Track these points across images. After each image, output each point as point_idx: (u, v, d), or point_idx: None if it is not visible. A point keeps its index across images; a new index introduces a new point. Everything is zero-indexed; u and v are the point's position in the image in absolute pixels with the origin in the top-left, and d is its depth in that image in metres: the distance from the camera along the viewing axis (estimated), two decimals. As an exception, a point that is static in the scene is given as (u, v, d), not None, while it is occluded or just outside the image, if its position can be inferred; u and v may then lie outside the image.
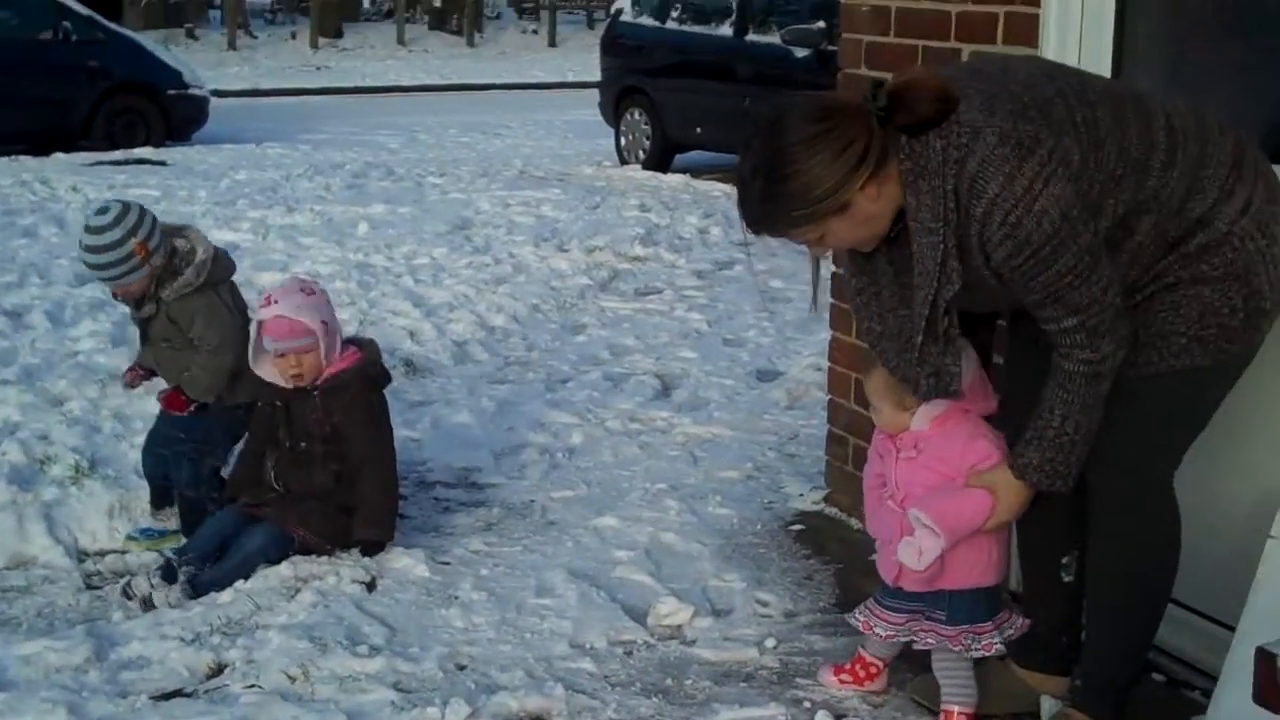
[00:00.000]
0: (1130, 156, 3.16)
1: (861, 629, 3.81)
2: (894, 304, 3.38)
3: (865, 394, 3.72)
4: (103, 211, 4.97)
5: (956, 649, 3.64)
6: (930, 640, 3.68)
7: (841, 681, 4.00)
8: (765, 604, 4.63)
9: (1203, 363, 3.28)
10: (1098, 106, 3.17)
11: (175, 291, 4.99)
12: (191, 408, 5.08)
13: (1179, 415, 3.38)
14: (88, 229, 4.94)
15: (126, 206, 4.97)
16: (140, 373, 5.31)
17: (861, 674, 3.99)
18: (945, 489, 3.53)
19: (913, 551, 3.49)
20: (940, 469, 3.55)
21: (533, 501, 5.57)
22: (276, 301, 4.82)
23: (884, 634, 3.77)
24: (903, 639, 3.78)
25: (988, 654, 3.67)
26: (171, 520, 5.17)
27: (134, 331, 5.49)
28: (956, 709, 3.71)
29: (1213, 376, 3.35)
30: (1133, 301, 3.25)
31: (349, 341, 5.00)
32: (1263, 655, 2.62)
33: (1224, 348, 3.27)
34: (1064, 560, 3.71)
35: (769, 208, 3.17)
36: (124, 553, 5.08)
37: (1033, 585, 3.86)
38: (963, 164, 3.07)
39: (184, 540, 5.01)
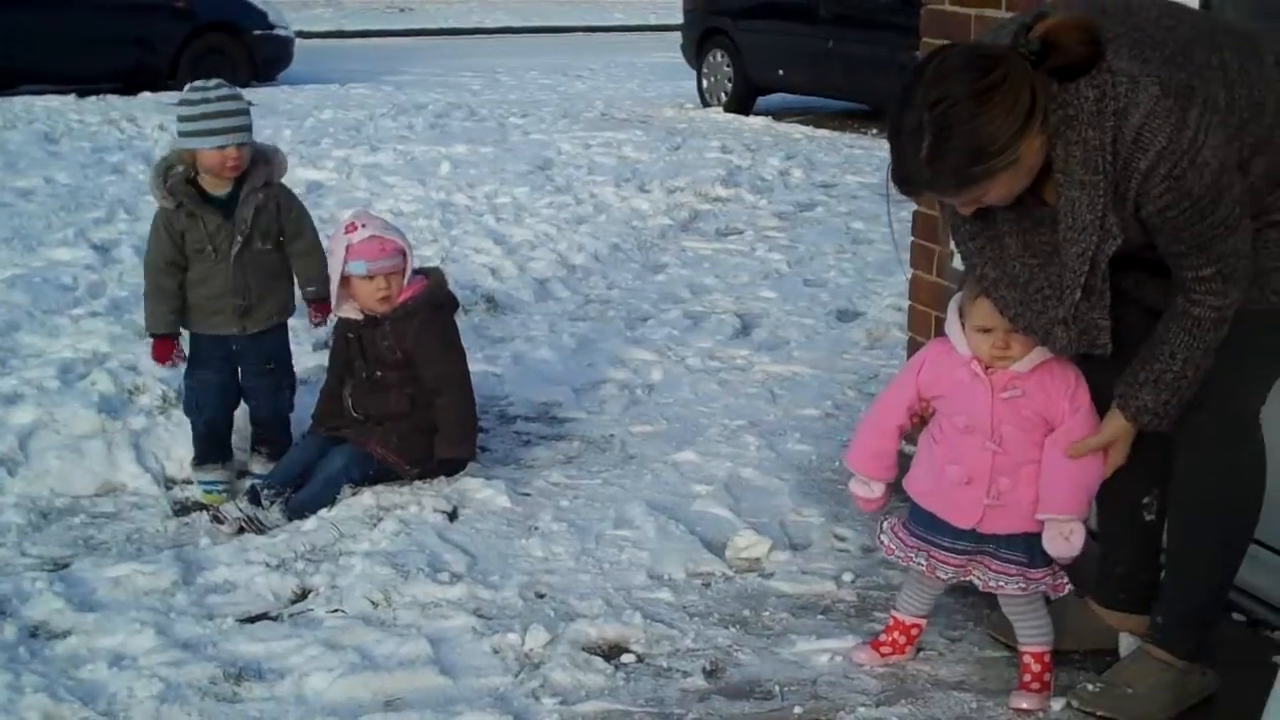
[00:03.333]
0: (1253, 99, 3.10)
1: (925, 573, 3.66)
2: (1017, 251, 3.26)
3: (968, 319, 3.46)
4: (213, 81, 4.92)
5: (1043, 589, 3.57)
6: (1009, 587, 3.56)
7: (884, 655, 3.83)
8: (843, 539, 4.64)
9: None
10: (1225, 48, 3.10)
11: (280, 170, 5.04)
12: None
13: (1270, 352, 3.35)
14: (219, 89, 4.85)
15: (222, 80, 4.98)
16: (172, 342, 5.05)
17: (903, 640, 3.84)
18: (1057, 467, 3.42)
19: (1061, 542, 3.39)
20: (1040, 412, 3.44)
21: (612, 436, 5.60)
22: (364, 225, 4.90)
23: (945, 577, 3.66)
24: (958, 580, 3.69)
25: (1064, 592, 3.61)
26: (219, 471, 5.09)
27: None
28: (1039, 649, 3.66)
29: None
30: None
31: (416, 272, 5.06)
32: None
33: None
34: (1145, 500, 3.68)
35: (938, 166, 2.99)
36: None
37: (1112, 525, 3.83)
38: (1124, 115, 2.98)
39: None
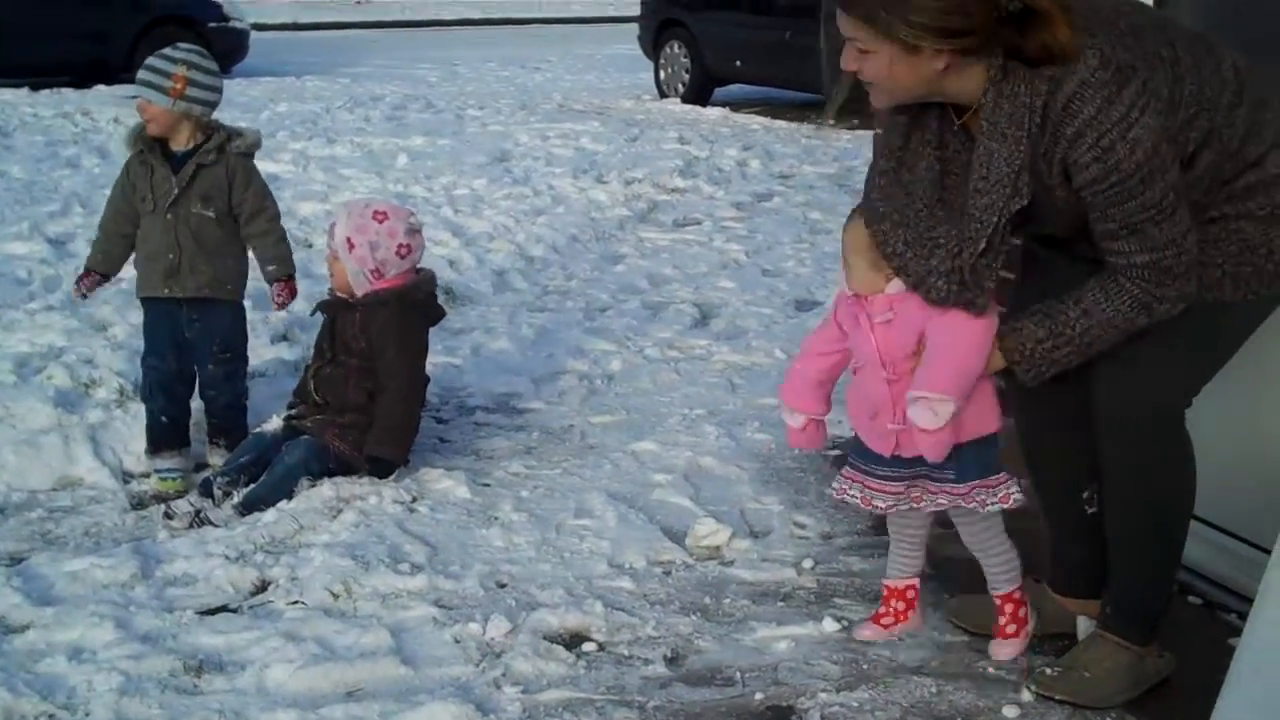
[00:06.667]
0: (1203, 95, 3.12)
1: (861, 505, 3.66)
2: (929, 200, 3.28)
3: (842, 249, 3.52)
4: (183, 45, 5.07)
5: (970, 505, 3.56)
6: (942, 501, 3.59)
7: (886, 627, 3.85)
8: (803, 526, 4.65)
9: (1232, 299, 3.26)
10: (1177, 44, 3.12)
11: (244, 145, 5.03)
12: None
13: (1200, 351, 3.35)
14: (171, 51, 4.98)
15: (204, 53, 5.06)
16: (96, 277, 5.14)
17: (902, 606, 3.86)
18: (935, 350, 3.37)
19: (926, 414, 3.32)
20: (917, 328, 3.40)
21: (572, 426, 5.60)
22: (393, 216, 4.99)
23: (884, 505, 3.64)
24: (903, 508, 3.68)
25: (1006, 506, 3.57)
26: (175, 459, 5.08)
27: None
28: (1010, 589, 3.69)
29: (1238, 317, 3.33)
30: None
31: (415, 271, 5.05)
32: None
33: (1255, 289, 3.26)
34: (1085, 495, 3.70)
35: None
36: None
37: (1058, 521, 3.85)
38: (1059, 82, 3.02)
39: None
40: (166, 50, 4.99)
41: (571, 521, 4.62)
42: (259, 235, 5.08)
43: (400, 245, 4.91)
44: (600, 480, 4.99)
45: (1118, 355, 3.33)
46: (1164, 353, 3.30)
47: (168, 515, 4.67)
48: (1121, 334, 3.23)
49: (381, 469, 4.89)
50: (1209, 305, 3.26)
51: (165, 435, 5.08)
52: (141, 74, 4.93)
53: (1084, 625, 3.78)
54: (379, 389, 4.90)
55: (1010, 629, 3.71)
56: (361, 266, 4.89)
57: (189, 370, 5.11)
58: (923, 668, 3.74)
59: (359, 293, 4.92)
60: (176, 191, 4.93)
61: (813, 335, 3.78)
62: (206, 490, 4.73)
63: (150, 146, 4.97)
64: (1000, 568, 3.70)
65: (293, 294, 5.16)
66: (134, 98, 5.02)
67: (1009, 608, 3.72)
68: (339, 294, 5.02)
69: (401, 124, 13.28)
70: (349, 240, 4.88)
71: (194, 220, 4.96)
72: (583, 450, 5.33)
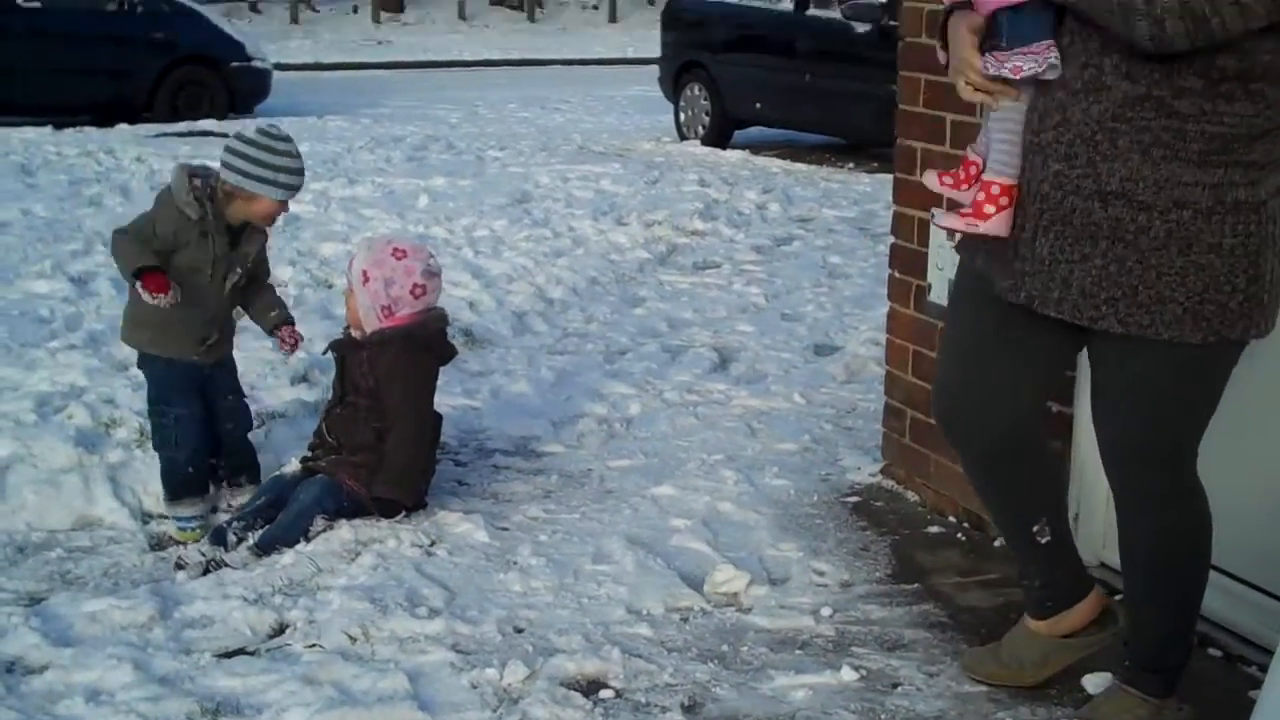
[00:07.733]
0: None
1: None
2: None
3: None
4: (279, 130, 4.94)
5: None
6: None
7: (945, 185, 3.53)
8: (821, 573, 4.64)
9: (1192, 339, 3.17)
10: None
11: None
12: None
13: (1182, 399, 3.30)
14: (289, 142, 4.85)
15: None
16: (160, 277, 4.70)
17: (991, 211, 3.41)
18: None
19: None
20: None
21: (590, 470, 5.60)
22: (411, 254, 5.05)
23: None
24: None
25: None
26: (197, 506, 5.04)
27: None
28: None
29: (1207, 360, 3.25)
30: (1149, 222, 3.12)
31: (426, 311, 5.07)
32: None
33: (1216, 329, 3.17)
34: (1034, 529, 3.69)
35: None
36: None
37: (1017, 550, 3.85)
38: None
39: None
40: (290, 146, 4.84)
41: (589, 566, 4.61)
42: (266, 290, 5.14)
43: (415, 285, 4.95)
44: (619, 525, 4.98)
45: (1105, 419, 3.37)
46: (1167, 406, 3.28)
47: (179, 566, 4.66)
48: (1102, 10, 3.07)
49: (387, 509, 4.91)
50: (1175, 347, 3.19)
51: (190, 482, 5.04)
52: (293, 179, 4.83)
53: (1094, 680, 3.77)
54: (387, 429, 4.92)
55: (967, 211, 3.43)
56: (374, 302, 4.93)
57: (206, 414, 5.10)
58: (941, 718, 3.72)
59: (368, 329, 4.96)
60: (239, 275, 4.94)
61: None
62: (219, 538, 4.73)
63: (215, 214, 4.82)
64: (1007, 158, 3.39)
65: (298, 337, 5.17)
66: (283, 200, 4.87)
67: (981, 195, 3.41)
68: (351, 332, 5.07)
69: (423, 164, 13.33)
70: (364, 273, 4.94)
71: (236, 292, 5.01)
72: (601, 494, 5.33)
